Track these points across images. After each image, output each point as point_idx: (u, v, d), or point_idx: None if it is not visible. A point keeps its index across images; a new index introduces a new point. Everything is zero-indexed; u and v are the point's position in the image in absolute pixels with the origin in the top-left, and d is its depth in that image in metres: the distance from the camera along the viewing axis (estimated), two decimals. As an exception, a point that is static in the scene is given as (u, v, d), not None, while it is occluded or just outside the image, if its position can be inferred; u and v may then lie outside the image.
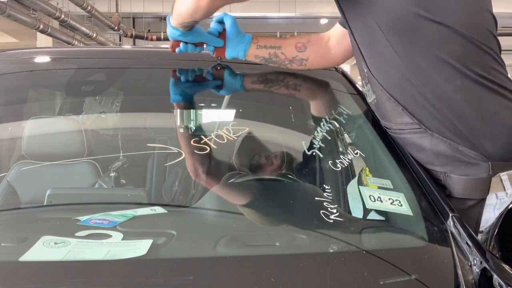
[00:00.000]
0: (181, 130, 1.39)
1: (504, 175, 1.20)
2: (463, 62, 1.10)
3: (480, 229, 1.21)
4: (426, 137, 1.16)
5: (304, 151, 1.30)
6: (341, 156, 1.20)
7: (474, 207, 1.17)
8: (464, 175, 1.15)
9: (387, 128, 1.27)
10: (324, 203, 1.02)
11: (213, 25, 1.41)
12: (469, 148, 1.14)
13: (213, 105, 1.65)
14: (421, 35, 1.10)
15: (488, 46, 1.12)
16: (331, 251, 0.91)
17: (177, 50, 1.37)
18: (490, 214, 1.19)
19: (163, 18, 12.40)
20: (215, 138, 1.23)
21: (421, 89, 1.12)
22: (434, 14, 1.08)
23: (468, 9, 1.12)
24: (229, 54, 1.42)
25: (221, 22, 1.41)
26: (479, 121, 1.12)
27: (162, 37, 11.81)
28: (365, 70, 1.24)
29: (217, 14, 1.41)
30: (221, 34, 1.40)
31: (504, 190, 1.19)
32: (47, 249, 0.85)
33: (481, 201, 1.18)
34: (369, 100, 1.34)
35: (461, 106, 1.12)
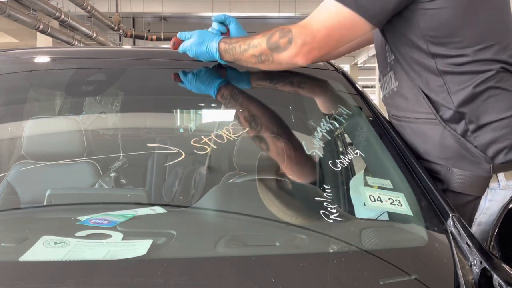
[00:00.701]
0: (181, 130, 1.39)
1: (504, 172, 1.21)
2: (496, 79, 1.14)
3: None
4: (438, 129, 1.19)
5: (304, 151, 1.30)
6: (341, 156, 1.20)
7: (469, 204, 1.20)
8: (466, 170, 1.17)
9: (397, 116, 1.30)
10: (324, 203, 1.02)
11: (215, 26, 1.41)
12: (477, 147, 1.16)
13: (213, 105, 1.65)
14: (456, 37, 1.13)
15: None
16: (331, 251, 0.91)
17: (180, 50, 1.37)
18: (480, 203, 1.21)
19: (163, 18, 12.42)
20: (215, 138, 1.23)
21: (447, 84, 1.16)
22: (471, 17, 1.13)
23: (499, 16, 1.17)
24: None
25: (222, 23, 1.41)
26: (494, 123, 1.15)
27: (162, 37, 11.82)
28: (392, 58, 1.27)
29: (216, 14, 1.42)
30: (224, 35, 1.40)
31: (498, 181, 1.20)
32: (47, 249, 0.85)
33: (477, 199, 1.20)
34: (383, 92, 1.37)
35: (481, 106, 1.15)
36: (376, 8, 1.12)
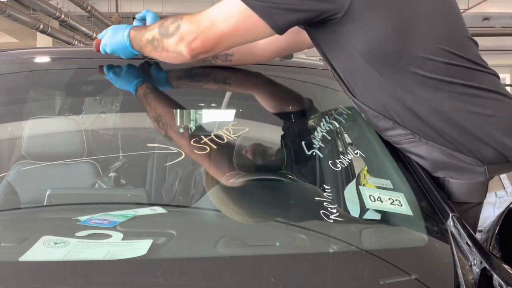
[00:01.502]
0: (181, 130, 1.39)
1: (502, 174, 1.20)
2: (446, 73, 1.10)
3: (480, 228, 1.21)
4: (422, 146, 1.16)
5: (304, 151, 1.30)
6: (341, 156, 1.20)
7: (472, 210, 1.18)
8: (462, 179, 1.15)
9: (382, 136, 1.27)
10: (324, 203, 1.02)
11: (135, 23, 1.39)
12: (464, 153, 1.14)
13: (213, 105, 1.65)
14: (400, 58, 1.09)
15: (468, 53, 1.12)
16: (331, 251, 0.91)
17: (101, 50, 1.35)
18: (489, 213, 1.19)
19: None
20: (215, 138, 1.23)
21: (410, 105, 1.12)
22: (411, 37, 1.08)
23: (445, 24, 1.12)
24: None
25: (143, 19, 1.40)
26: (469, 127, 1.12)
27: (162, 37, 11.81)
28: (348, 95, 1.22)
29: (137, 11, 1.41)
30: None
31: (504, 188, 1.19)
32: (47, 249, 0.85)
33: (479, 204, 1.18)
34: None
35: (451, 114, 1.12)
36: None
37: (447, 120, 1.12)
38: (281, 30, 1.10)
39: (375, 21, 1.06)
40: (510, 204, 1.19)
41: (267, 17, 1.07)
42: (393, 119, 1.15)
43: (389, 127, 1.17)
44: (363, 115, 1.25)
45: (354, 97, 1.19)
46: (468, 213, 1.17)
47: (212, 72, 1.53)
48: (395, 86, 1.11)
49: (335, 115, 1.35)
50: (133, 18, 1.53)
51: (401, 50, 1.08)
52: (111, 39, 1.30)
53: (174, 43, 1.16)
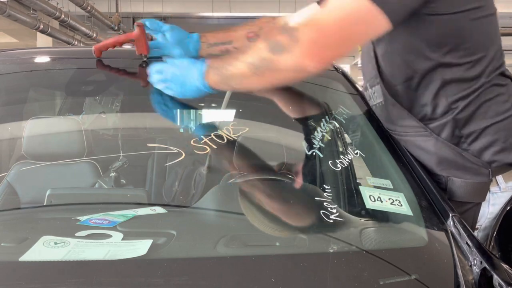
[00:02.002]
0: (181, 130, 1.39)
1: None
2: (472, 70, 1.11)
3: (476, 226, 1.22)
4: (431, 140, 1.17)
5: (304, 151, 1.30)
6: (341, 156, 1.20)
7: (471, 210, 1.19)
8: (466, 178, 1.16)
9: (390, 130, 1.27)
10: (324, 203, 1.02)
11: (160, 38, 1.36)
12: (473, 154, 1.15)
13: (213, 105, 1.65)
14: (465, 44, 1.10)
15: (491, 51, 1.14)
16: (331, 251, 0.91)
17: (156, 85, 1.24)
18: (484, 209, 1.20)
19: (163, 18, 12.40)
20: (215, 138, 1.23)
21: (439, 94, 1.13)
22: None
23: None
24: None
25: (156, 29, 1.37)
26: (483, 126, 1.14)
27: (162, 37, 11.80)
28: (374, 73, 1.23)
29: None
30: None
31: (497, 184, 1.20)
32: (47, 249, 0.85)
33: (478, 204, 1.19)
34: (372, 102, 1.34)
35: (467, 112, 1.13)
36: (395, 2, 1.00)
37: (463, 117, 1.14)
38: (396, 22, 1.02)
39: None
40: (509, 204, 1.19)
41: (385, 6, 0.98)
42: (411, 107, 1.17)
43: (404, 116, 1.18)
44: (378, 101, 1.27)
45: (382, 81, 1.20)
46: (468, 213, 1.18)
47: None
48: (444, 70, 1.11)
49: (335, 115, 1.35)
50: (133, 18, 1.52)
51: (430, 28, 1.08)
52: (176, 85, 1.16)
53: (296, 59, 1.00)
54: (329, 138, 1.28)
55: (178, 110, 1.41)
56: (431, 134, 1.16)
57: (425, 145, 1.18)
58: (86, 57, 1.60)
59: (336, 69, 1.60)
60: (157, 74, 1.22)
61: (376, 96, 1.29)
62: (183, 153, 1.26)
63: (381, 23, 1.00)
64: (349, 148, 1.28)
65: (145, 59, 1.43)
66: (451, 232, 0.97)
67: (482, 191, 1.18)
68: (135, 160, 1.64)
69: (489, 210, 1.20)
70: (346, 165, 1.19)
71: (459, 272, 0.85)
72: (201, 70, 1.13)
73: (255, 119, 1.53)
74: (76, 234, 0.92)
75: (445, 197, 1.08)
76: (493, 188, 1.19)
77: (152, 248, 0.87)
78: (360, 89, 1.52)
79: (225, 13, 11.32)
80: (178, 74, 1.17)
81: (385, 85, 1.21)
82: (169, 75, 1.18)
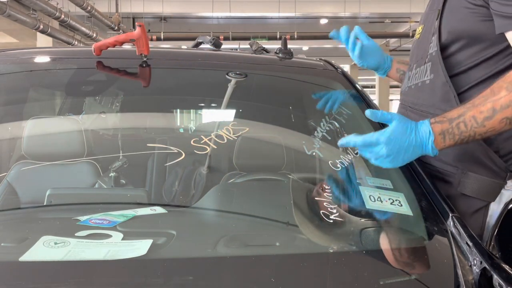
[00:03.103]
0: (181, 130, 1.39)
1: None
2: None
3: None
4: None
5: (304, 151, 1.30)
6: (341, 156, 1.20)
7: (481, 210, 1.18)
8: (483, 175, 1.16)
9: (418, 110, 1.28)
10: (324, 203, 1.02)
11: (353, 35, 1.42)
12: (500, 155, 1.15)
13: (213, 105, 1.65)
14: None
15: None
16: (331, 251, 0.91)
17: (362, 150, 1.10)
18: (493, 206, 1.20)
19: (163, 18, 12.41)
20: (215, 138, 1.23)
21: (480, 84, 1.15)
22: None
23: None
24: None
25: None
26: None
27: (162, 37, 11.81)
28: (435, 49, 1.22)
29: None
30: None
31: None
32: (47, 249, 0.85)
33: (488, 204, 1.18)
34: (410, 83, 1.35)
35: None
36: None
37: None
38: None
39: None
40: (510, 204, 1.19)
41: None
42: (458, 92, 1.17)
43: (445, 99, 1.19)
44: (422, 79, 1.28)
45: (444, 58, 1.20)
46: (478, 212, 1.18)
47: (212, 73, 1.53)
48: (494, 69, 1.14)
49: (335, 115, 1.35)
50: (133, 18, 1.53)
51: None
52: (394, 159, 1.04)
53: None
54: (329, 138, 1.28)
55: (178, 110, 1.41)
56: None
57: None
58: (86, 57, 1.60)
59: (336, 69, 1.60)
60: (368, 152, 1.08)
61: (422, 74, 1.28)
62: (183, 153, 1.26)
63: None
64: (349, 148, 1.28)
65: (145, 59, 1.43)
66: (451, 232, 0.97)
67: (494, 191, 1.17)
68: (135, 160, 1.64)
69: (492, 207, 1.20)
70: (346, 165, 1.19)
71: (459, 272, 0.85)
72: (428, 139, 1.05)
73: (255, 119, 1.53)
74: (76, 234, 0.92)
75: (445, 197, 1.08)
76: None
77: (152, 248, 0.87)
78: (360, 89, 1.52)
79: (225, 13, 11.32)
80: (397, 149, 1.04)
81: (445, 62, 1.20)
82: (384, 151, 1.05)
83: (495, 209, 1.20)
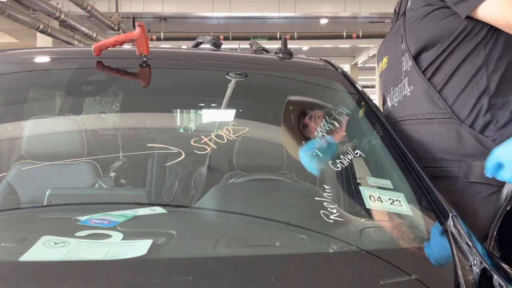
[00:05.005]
0: (181, 130, 1.39)
1: None
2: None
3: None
4: (454, 127, 1.23)
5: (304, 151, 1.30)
6: (341, 156, 1.20)
7: (492, 195, 1.20)
8: (483, 160, 1.18)
9: (409, 120, 1.32)
10: (324, 203, 1.02)
11: None
12: (497, 142, 1.18)
13: (213, 105, 1.65)
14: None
15: None
16: (331, 251, 0.91)
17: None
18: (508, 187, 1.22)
19: (163, 18, 12.41)
20: (215, 138, 1.23)
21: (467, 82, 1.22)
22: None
23: None
24: None
25: None
26: (508, 112, 1.20)
27: (162, 37, 11.81)
28: (409, 65, 1.31)
29: None
30: None
31: None
32: (47, 249, 0.85)
33: (499, 190, 1.20)
34: (392, 102, 1.40)
35: (497, 97, 1.20)
36: None
37: (492, 103, 1.21)
38: None
39: None
40: (509, 204, 1.19)
41: None
42: (441, 93, 1.25)
43: (432, 102, 1.26)
44: (404, 94, 1.34)
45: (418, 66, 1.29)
46: (490, 198, 1.20)
47: (212, 73, 1.53)
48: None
49: (335, 115, 1.35)
50: (133, 18, 1.53)
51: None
52: None
53: None
54: (329, 138, 1.28)
55: (178, 110, 1.41)
56: (456, 122, 1.22)
57: (448, 132, 1.24)
58: (86, 57, 1.60)
59: (336, 69, 1.60)
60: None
61: (401, 90, 1.35)
62: (183, 153, 1.26)
63: None
64: (349, 148, 1.28)
65: (145, 59, 1.43)
66: (451, 232, 0.96)
67: None
68: (135, 160, 1.64)
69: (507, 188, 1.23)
70: (346, 165, 1.19)
71: (459, 272, 0.85)
72: None
73: (255, 119, 1.53)
74: (76, 234, 0.92)
75: (445, 197, 1.08)
76: None
77: (152, 248, 0.87)
78: (360, 89, 1.52)
79: (225, 13, 11.31)
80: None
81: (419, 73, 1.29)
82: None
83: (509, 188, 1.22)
